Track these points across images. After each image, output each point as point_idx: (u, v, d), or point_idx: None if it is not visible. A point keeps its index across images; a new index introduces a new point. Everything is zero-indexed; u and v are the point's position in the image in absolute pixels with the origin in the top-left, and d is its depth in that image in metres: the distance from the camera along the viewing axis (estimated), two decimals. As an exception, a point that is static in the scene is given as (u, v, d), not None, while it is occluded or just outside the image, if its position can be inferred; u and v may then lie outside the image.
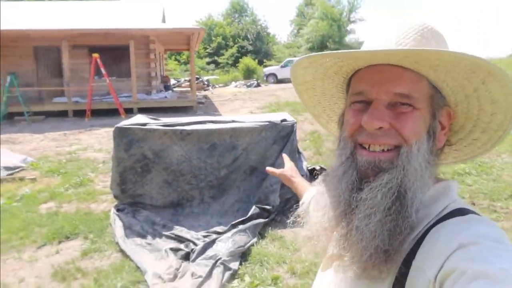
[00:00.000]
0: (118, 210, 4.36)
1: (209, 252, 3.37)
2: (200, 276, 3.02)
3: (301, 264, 3.27)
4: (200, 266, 3.18)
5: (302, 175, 4.42)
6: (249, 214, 3.97)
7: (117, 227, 4.01)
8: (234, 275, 3.13)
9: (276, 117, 4.80)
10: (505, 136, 0.72)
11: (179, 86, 23.62)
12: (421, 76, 0.65)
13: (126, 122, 4.57)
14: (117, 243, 3.77)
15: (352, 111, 0.70)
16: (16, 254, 3.68)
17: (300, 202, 1.14)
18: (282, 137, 4.53)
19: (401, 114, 0.65)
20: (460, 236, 0.58)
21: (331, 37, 37.91)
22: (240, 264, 3.28)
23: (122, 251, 3.62)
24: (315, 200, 0.77)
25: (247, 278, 3.08)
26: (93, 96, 12.44)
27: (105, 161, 6.99)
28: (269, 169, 1.25)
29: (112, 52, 13.59)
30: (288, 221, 0.92)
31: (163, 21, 17.47)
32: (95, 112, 12.35)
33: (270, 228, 3.97)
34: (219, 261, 3.18)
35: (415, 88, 0.65)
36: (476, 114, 0.71)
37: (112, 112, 12.38)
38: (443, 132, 0.72)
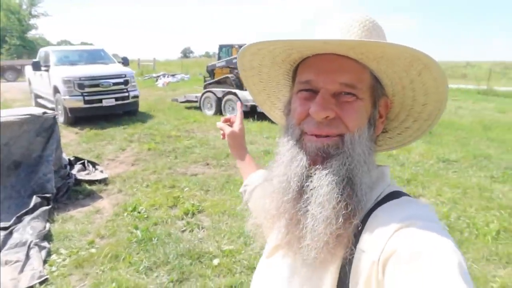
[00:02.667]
0: None
1: (12, 241, 3.37)
2: (17, 261, 3.09)
3: (103, 229, 3.80)
4: (10, 254, 3.19)
5: (65, 164, 4.84)
6: (32, 204, 4.02)
7: None
8: (49, 252, 3.33)
9: (34, 110, 4.79)
10: (433, 126, 0.78)
11: None
12: (365, 67, 0.69)
13: None
14: None
15: (299, 100, 0.72)
16: None
17: (242, 186, 1.15)
18: (46, 129, 4.64)
19: (345, 103, 0.68)
20: (397, 218, 0.61)
21: (10, 31, 33.56)
22: (49, 243, 3.48)
23: None
24: (262, 187, 0.77)
25: (63, 251, 3.37)
26: None
27: None
28: (219, 124, 1.20)
29: None
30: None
31: None
32: None
33: (55, 213, 4.16)
34: (32, 243, 3.29)
35: (359, 79, 0.68)
36: (410, 104, 0.76)
37: None
38: (381, 121, 0.75)
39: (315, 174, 0.67)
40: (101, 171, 5.60)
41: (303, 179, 0.68)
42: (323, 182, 0.66)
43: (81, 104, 8.86)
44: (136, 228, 3.76)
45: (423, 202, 0.72)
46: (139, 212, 4.16)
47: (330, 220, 0.64)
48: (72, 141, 7.76)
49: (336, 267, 0.65)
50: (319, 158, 0.68)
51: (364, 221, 0.66)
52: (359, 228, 0.65)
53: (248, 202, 1.10)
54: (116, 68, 10.09)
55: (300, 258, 0.68)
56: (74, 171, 5.38)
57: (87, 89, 8.97)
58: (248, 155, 1.18)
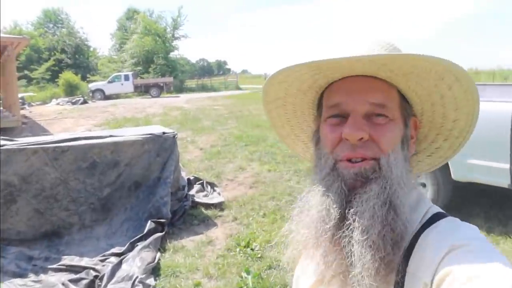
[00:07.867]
0: (-26, 252, 3.60)
1: (120, 274, 3.16)
2: (120, 299, 2.83)
3: (213, 267, 3.39)
4: (115, 290, 2.96)
5: (183, 185, 4.49)
6: (146, 230, 3.85)
7: (-18, 271, 3.32)
8: (154, 291, 3.03)
9: (154, 129, 4.75)
10: (464, 143, 0.76)
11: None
12: (392, 86, 0.68)
13: (-24, 146, 3.81)
14: (-11, 289, 3.13)
15: (328, 127, 0.70)
16: None
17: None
18: (165, 149, 4.52)
19: (378, 125, 0.66)
20: (449, 239, 0.59)
21: (156, 52, 37.85)
22: (155, 279, 3.19)
23: (2, 297, 3.04)
24: (297, 218, 0.72)
25: (168, 291, 3.03)
26: None
27: None
28: None
29: None
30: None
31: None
32: None
33: (167, 240, 3.93)
34: (137, 280, 3.03)
35: (388, 98, 0.67)
36: (440, 122, 0.75)
37: None
38: (412, 141, 0.73)
39: (355, 199, 0.65)
40: (219, 193, 5.34)
41: (343, 205, 0.65)
42: (365, 207, 0.63)
43: None
44: (248, 272, 3.23)
45: (469, 224, 0.64)
46: (252, 249, 3.66)
47: (377, 246, 0.60)
48: (196, 157, 7.82)
49: None
50: (358, 183, 0.66)
51: (412, 243, 0.63)
52: (408, 251, 0.62)
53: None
54: None
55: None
56: (192, 191, 5.23)
57: None
58: None
